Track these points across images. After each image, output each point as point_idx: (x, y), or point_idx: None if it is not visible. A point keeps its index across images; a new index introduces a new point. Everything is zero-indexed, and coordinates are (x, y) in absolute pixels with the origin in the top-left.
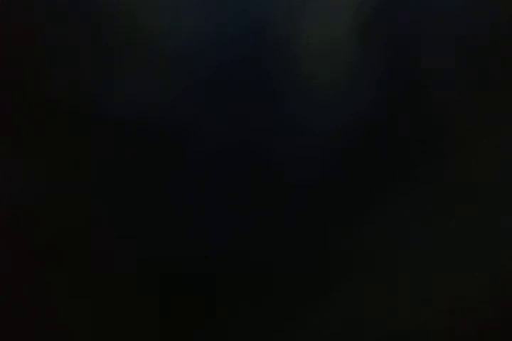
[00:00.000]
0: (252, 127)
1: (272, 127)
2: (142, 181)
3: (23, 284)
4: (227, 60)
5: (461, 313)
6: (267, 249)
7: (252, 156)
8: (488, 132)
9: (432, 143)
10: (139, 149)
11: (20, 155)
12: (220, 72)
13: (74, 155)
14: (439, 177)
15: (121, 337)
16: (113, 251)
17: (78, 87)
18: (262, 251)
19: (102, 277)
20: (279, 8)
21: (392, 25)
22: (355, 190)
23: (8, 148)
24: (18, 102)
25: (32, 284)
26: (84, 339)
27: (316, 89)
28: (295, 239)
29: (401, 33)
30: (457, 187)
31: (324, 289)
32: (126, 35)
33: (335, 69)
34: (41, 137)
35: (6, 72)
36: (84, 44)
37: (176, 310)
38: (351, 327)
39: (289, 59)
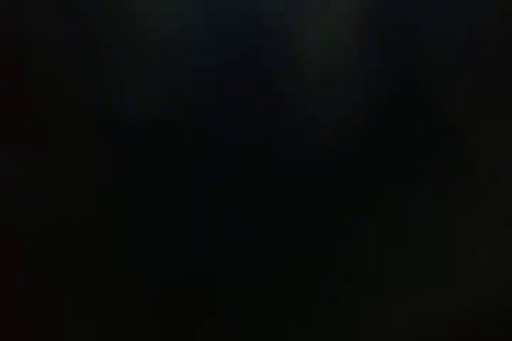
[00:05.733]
0: (252, 125)
1: (273, 125)
2: (142, 180)
3: (20, 284)
4: (227, 59)
5: (461, 313)
6: (267, 249)
7: (251, 156)
8: (488, 132)
9: (431, 142)
10: (140, 147)
11: (20, 155)
12: (219, 70)
13: (74, 154)
14: (439, 177)
15: (121, 337)
16: (113, 251)
17: (78, 87)
18: (263, 251)
19: (102, 277)
20: (278, 6)
21: (393, 24)
22: (355, 189)
23: (8, 148)
24: (18, 102)
25: (31, 284)
26: (84, 340)
27: (315, 86)
28: (295, 239)
29: (401, 32)
30: (457, 186)
31: (324, 289)
32: (126, 34)
33: (335, 67)
34: (41, 137)
35: (5, 72)
36: (84, 44)
37: (176, 310)
38: (352, 327)
39: (289, 56)
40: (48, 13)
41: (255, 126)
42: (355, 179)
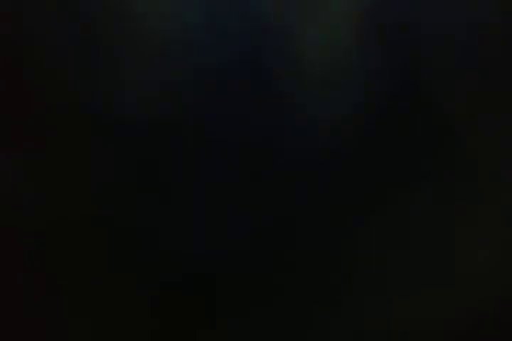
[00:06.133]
0: (252, 125)
1: (273, 125)
2: (142, 180)
3: (20, 284)
4: (227, 59)
5: (461, 313)
6: (267, 249)
7: (251, 156)
8: (488, 132)
9: (431, 142)
10: (140, 147)
11: (20, 155)
12: (219, 70)
13: (74, 154)
14: (439, 177)
15: (121, 337)
16: (113, 251)
17: (78, 87)
18: (263, 251)
19: (102, 277)
20: (278, 6)
21: (393, 24)
22: (355, 189)
23: (8, 148)
24: (18, 102)
25: (31, 284)
26: (84, 340)
27: (315, 86)
28: (295, 239)
29: (401, 32)
30: (457, 186)
31: (324, 289)
32: (126, 34)
33: (335, 67)
34: (41, 137)
35: (5, 72)
36: (84, 44)
37: (176, 310)
38: (352, 327)
39: (289, 56)
40: (48, 13)
41: (255, 126)
42: (355, 179)
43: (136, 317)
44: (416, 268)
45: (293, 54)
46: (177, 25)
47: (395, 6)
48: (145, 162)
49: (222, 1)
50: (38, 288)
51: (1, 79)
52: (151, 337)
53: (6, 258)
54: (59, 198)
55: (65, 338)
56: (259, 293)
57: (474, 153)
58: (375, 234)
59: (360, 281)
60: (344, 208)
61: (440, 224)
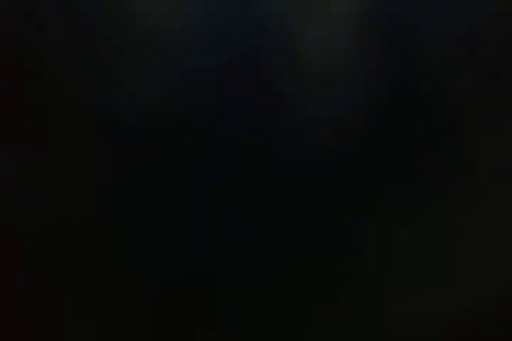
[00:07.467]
0: (252, 125)
1: (273, 125)
2: (142, 180)
3: (20, 284)
4: (227, 59)
5: (461, 313)
6: (267, 249)
7: (251, 156)
8: (488, 132)
9: (431, 142)
10: (140, 147)
11: (20, 155)
12: (219, 70)
13: (74, 154)
14: (439, 177)
15: (121, 337)
16: (113, 251)
17: (78, 87)
18: (263, 251)
19: (102, 277)
20: (278, 6)
21: (393, 24)
22: (355, 189)
23: (8, 148)
24: (18, 102)
25: (31, 284)
26: (84, 340)
27: (315, 86)
28: (295, 239)
29: (401, 32)
30: (457, 186)
31: (324, 289)
32: (126, 34)
33: (335, 67)
34: (41, 137)
35: (5, 72)
36: (84, 44)
37: (176, 310)
38: (352, 327)
39: (289, 56)
40: (48, 13)
41: (255, 126)
42: (355, 179)
43: (136, 317)
44: (416, 268)
45: (293, 54)
46: (177, 25)
47: (395, 6)
48: (145, 162)
49: (222, 1)
50: (38, 288)
51: (1, 79)
52: (151, 337)
53: (6, 258)
54: (59, 198)
55: (65, 338)
56: (259, 293)
57: (474, 153)
58: (375, 234)
59: (360, 281)
60: (344, 208)
61: (440, 224)
